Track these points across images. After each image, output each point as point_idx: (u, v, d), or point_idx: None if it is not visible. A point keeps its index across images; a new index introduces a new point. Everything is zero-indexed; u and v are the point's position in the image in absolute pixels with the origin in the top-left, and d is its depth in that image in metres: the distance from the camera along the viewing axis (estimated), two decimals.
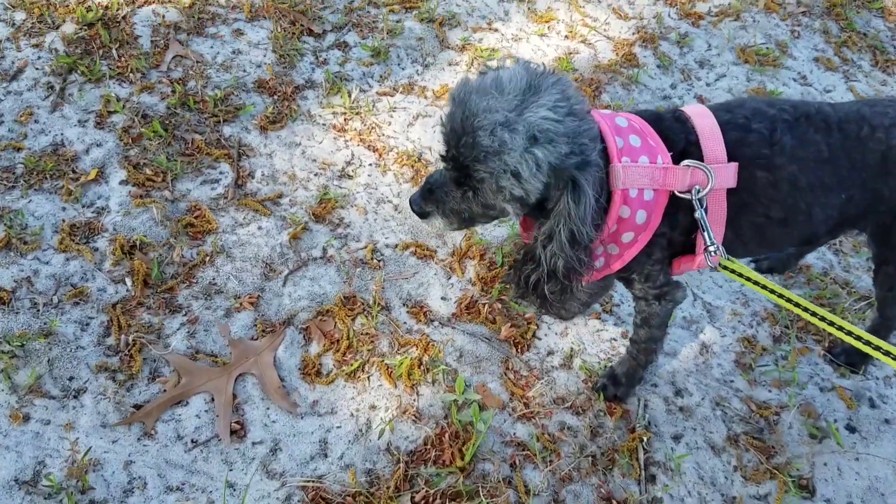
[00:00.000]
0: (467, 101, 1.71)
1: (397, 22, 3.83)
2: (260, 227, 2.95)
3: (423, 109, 3.50)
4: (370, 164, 3.24)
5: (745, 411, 2.72)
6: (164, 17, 3.57)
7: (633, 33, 4.04)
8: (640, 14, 4.15)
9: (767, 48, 4.09)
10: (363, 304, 2.79)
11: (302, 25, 3.68)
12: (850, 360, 2.88)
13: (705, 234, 1.99)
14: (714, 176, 1.95)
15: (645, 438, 2.59)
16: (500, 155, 1.67)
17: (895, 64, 4.18)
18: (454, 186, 1.85)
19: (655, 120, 2.05)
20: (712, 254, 2.02)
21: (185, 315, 2.69)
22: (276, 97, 3.38)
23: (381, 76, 3.59)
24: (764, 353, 2.91)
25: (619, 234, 1.95)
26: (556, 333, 2.84)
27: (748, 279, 2.00)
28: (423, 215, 1.95)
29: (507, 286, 2.08)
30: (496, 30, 3.95)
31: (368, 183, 3.17)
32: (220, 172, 3.10)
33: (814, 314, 1.90)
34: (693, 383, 2.77)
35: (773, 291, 1.98)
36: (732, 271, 2.02)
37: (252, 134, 3.24)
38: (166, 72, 3.36)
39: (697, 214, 1.97)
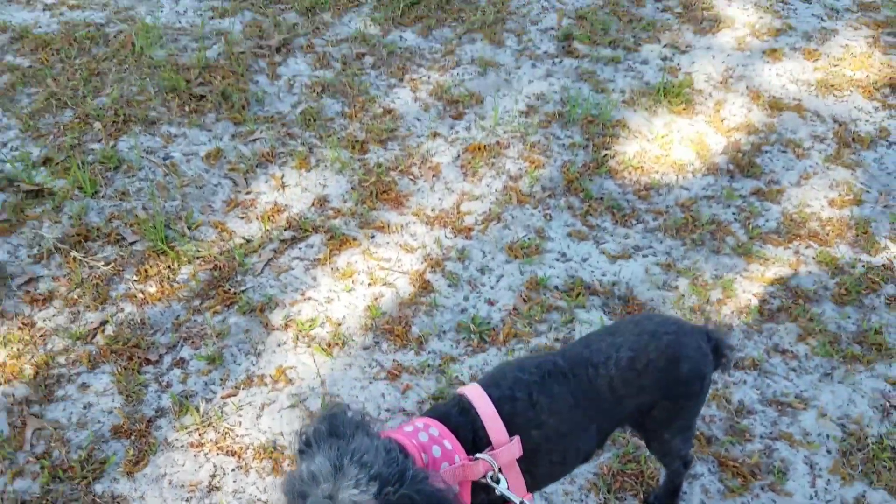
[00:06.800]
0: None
1: (222, 321, 4.39)
2: None
3: (266, 398, 4.02)
4: (233, 470, 3.69)
5: None
6: (13, 395, 3.96)
7: (422, 262, 4.78)
8: (422, 243, 4.93)
9: (529, 238, 4.94)
10: None
11: (139, 358, 4.16)
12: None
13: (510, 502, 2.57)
14: (495, 462, 2.50)
15: None
16: None
17: (632, 217, 5.15)
18: None
19: (445, 418, 2.57)
20: None
21: None
22: (132, 437, 3.81)
23: (221, 379, 4.09)
24: None
25: None
26: None
27: None
28: None
29: None
30: (310, 297, 4.57)
31: (235, 489, 3.62)
32: None
33: None
34: None
35: None
36: None
37: (121, 482, 3.63)
38: (30, 450, 3.73)
39: (498, 492, 2.54)
